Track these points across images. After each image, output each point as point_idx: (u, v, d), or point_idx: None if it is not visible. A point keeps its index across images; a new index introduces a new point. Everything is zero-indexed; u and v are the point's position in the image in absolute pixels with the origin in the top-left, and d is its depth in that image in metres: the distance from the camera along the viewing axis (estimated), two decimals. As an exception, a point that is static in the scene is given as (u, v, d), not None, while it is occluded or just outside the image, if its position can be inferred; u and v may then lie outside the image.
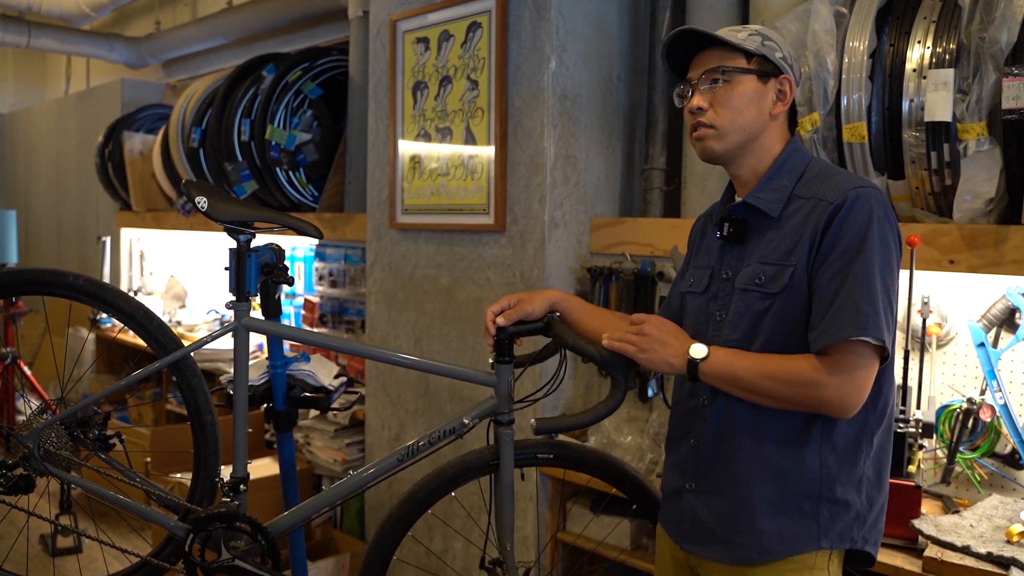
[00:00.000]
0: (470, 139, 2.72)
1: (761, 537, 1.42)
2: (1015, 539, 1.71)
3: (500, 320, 1.67)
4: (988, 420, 1.95)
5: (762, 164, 1.49)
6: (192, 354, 1.93)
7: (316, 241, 3.59)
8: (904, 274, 1.86)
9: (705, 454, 1.49)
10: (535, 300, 1.68)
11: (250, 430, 2.01)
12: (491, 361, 1.75)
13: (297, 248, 4.02)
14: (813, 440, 1.41)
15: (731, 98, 1.45)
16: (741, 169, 1.51)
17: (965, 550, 1.69)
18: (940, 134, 1.90)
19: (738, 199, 1.54)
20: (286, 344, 2.12)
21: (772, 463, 1.42)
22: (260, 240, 1.94)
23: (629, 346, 1.45)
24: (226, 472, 1.94)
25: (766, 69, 1.46)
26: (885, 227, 1.37)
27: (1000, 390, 1.94)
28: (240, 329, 1.89)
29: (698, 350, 1.40)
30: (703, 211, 1.72)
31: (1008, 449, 1.96)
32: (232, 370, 1.92)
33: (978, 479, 1.98)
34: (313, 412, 3.32)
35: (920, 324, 2.03)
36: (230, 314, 1.89)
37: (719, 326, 1.48)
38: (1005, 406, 1.94)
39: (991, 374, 1.95)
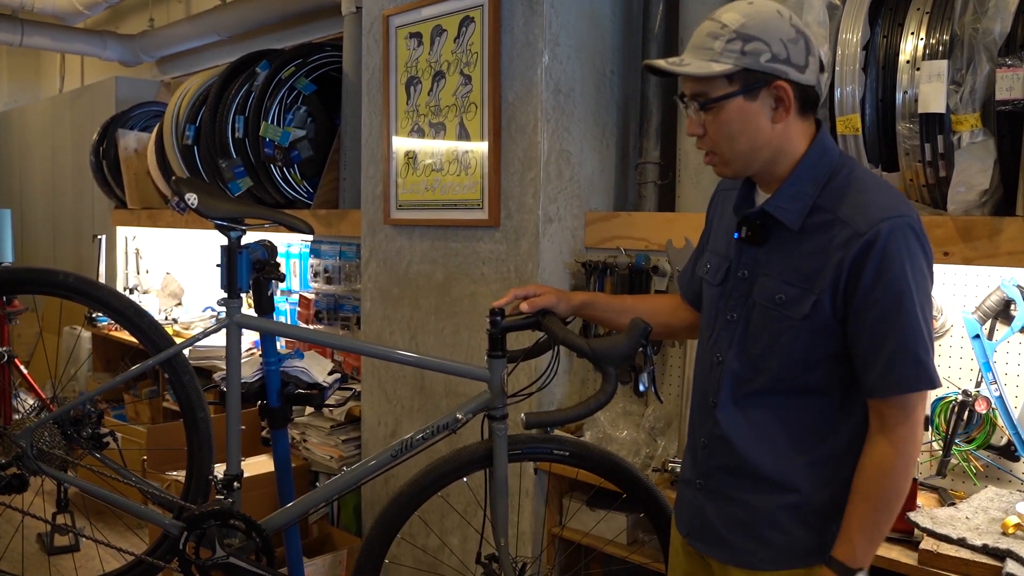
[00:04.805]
0: (464, 134, 2.71)
1: (767, 548, 1.41)
2: (1011, 531, 1.71)
3: (524, 306, 1.64)
4: (983, 412, 1.96)
5: (784, 169, 1.38)
6: (186, 351, 1.93)
7: (311, 237, 3.58)
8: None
9: (711, 455, 1.48)
10: (561, 304, 1.65)
11: (244, 427, 2.00)
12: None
13: (292, 245, 4.01)
14: (826, 457, 1.39)
15: (720, 126, 1.34)
16: (762, 177, 1.42)
17: (961, 542, 1.69)
18: (934, 126, 1.89)
19: (759, 195, 1.45)
20: (281, 341, 2.12)
21: (785, 477, 1.40)
22: (253, 237, 1.94)
23: None
24: (221, 469, 1.94)
25: (752, 81, 1.31)
26: (921, 262, 1.30)
27: (995, 382, 1.94)
28: (232, 326, 1.89)
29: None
30: (720, 186, 1.60)
31: (1004, 441, 1.97)
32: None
33: (974, 471, 1.98)
34: (309, 409, 3.32)
35: (915, 316, 2.03)
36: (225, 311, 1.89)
37: (731, 327, 1.45)
38: (1000, 398, 1.94)
39: (986, 366, 1.95)
